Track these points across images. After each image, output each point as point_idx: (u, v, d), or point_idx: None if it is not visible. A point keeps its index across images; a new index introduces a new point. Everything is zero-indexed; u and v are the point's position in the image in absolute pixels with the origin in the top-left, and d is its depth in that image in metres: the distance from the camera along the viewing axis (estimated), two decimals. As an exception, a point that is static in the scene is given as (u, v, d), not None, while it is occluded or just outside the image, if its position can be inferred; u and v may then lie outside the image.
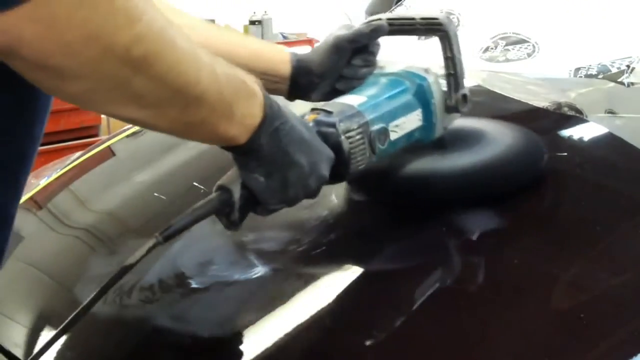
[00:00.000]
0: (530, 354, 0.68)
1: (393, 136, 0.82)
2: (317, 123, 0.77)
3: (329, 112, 0.79)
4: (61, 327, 0.68)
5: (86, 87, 0.53)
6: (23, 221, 1.27)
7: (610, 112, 1.17)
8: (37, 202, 1.27)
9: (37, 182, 1.37)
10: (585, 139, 1.09)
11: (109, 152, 1.45)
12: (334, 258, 0.87)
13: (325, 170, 0.73)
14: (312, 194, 0.73)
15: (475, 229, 0.90)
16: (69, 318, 0.68)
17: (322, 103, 0.83)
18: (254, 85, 0.66)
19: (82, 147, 1.77)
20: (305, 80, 0.93)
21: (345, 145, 0.77)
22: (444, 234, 0.90)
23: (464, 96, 0.89)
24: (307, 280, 0.85)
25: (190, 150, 1.23)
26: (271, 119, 0.66)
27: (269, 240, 0.92)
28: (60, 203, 1.28)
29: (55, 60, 0.50)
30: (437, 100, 0.87)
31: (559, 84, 1.30)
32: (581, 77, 1.32)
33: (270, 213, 0.73)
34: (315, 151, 0.71)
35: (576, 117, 1.10)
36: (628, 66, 1.28)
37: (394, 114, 0.83)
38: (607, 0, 1.46)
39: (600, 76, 1.30)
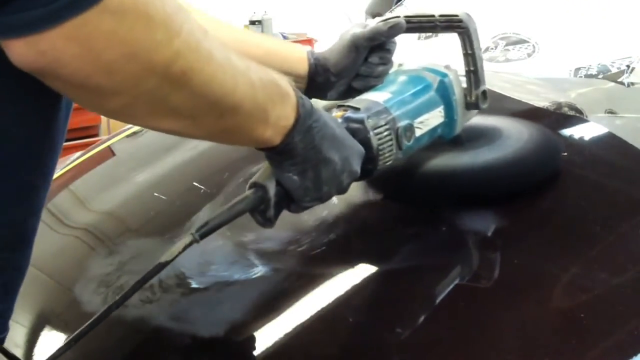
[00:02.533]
0: (530, 354, 0.68)
1: (418, 132, 0.82)
2: (346, 119, 0.77)
3: (357, 109, 0.78)
4: (89, 322, 0.66)
5: (125, 103, 0.53)
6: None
7: (611, 112, 1.17)
8: (37, 202, 1.27)
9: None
10: (586, 138, 1.09)
11: (109, 152, 1.45)
12: (336, 257, 0.87)
13: (356, 166, 0.72)
14: (344, 189, 0.73)
15: (476, 229, 0.90)
16: (98, 313, 0.65)
17: (348, 100, 0.83)
18: (287, 86, 0.65)
19: (82, 147, 1.77)
20: (322, 79, 0.93)
21: (374, 141, 0.76)
22: (444, 234, 0.90)
23: (484, 92, 0.89)
24: (308, 280, 0.85)
25: (190, 150, 1.23)
26: (304, 118, 0.65)
27: (269, 240, 0.92)
28: (60, 203, 1.27)
29: (94, 79, 0.49)
30: (457, 96, 0.88)
31: (559, 84, 1.30)
32: (581, 77, 1.32)
33: (303, 210, 0.73)
34: (347, 147, 0.71)
35: (576, 116, 1.10)
36: (628, 66, 1.28)
37: (418, 111, 0.83)
38: (607, 0, 1.46)
39: (600, 76, 1.30)
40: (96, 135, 3.82)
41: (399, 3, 1.95)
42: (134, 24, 0.48)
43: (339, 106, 0.80)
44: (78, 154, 1.53)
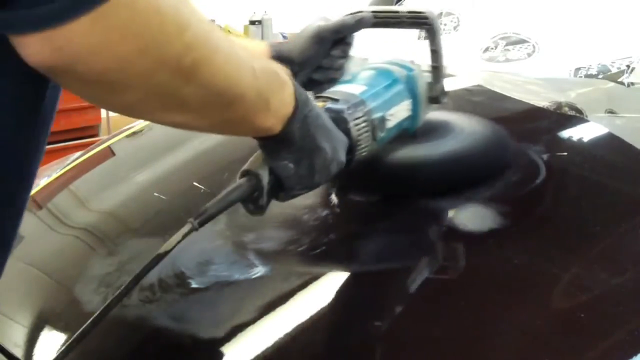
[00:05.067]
0: (531, 354, 0.68)
1: (388, 124, 0.84)
2: (327, 110, 0.77)
3: (336, 100, 0.80)
4: (91, 320, 0.65)
5: (136, 98, 0.52)
6: (23, 221, 1.27)
7: (611, 112, 1.17)
8: (37, 202, 1.27)
9: (37, 182, 1.37)
10: (586, 138, 1.09)
11: (109, 152, 1.45)
12: (334, 257, 0.87)
13: (343, 156, 0.74)
14: (331, 179, 0.74)
15: (476, 229, 0.90)
16: (99, 310, 0.65)
17: (326, 91, 0.83)
18: (285, 75, 0.66)
19: (82, 147, 1.77)
20: None
21: (354, 132, 0.78)
22: (444, 234, 0.90)
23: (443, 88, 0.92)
24: (307, 280, 0.85)
25: (190, 150, 1.23)
26: (302, 107, 0.67)
27: (269, 240, 0.92)
28: (60, 203, 1.27)
29: (109, 75, 0.48)
30: (422, 90, 0.90)
31: (559, 84, 1.30)
32: (581, 77, 1.32)
33: (291, 198, 0.74)
34: (335, 137, 0.73)
35: (576, 117, 1.10)
36: (628, 66, 1.28)
37: (390, 103, 0.85)
38: (607, 0, 1.46)
39: (600, 76, 1.30)
40: (96, 135, 3.83)
41: (398, 3, 1.95)
42: (147, 17, 0.48)
43: (317, 96, 0.80)
44: (78, 154, 1.53)
